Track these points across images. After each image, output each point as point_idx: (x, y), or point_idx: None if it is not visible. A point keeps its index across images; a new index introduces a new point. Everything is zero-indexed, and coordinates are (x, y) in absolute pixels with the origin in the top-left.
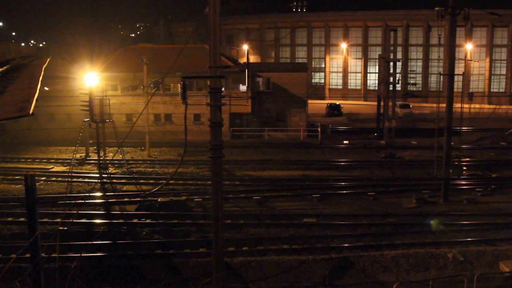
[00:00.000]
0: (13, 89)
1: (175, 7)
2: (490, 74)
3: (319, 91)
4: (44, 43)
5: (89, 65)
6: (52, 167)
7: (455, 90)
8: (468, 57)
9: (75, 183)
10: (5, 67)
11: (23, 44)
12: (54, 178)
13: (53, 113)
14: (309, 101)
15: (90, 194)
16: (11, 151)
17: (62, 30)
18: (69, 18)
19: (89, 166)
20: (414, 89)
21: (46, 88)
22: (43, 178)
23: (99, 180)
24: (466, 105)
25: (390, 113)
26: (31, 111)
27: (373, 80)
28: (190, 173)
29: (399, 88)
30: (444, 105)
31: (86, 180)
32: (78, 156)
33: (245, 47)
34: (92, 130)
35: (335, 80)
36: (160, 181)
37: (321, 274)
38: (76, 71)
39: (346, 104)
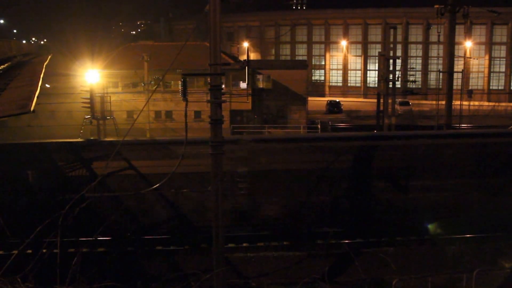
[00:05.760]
0: (15, 86)
1: (175, 5)
2: (490, 72)
3: (319, 89)
4: (45, 40)
5: (90, 63)
6: None
7: (454, 87)
8: (468, 55)
9: None
10: (6, 65)
11: (24, 42)
12: None
13: (54, 110)
14: (309, 98)
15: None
16: None
17: (63, 27)
18: (70, 16)
19: None
20: (414, 86)
21: (47, 85)
22: None
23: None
24: (465, 102)
25: (389, 110)
26: (32, 108)
27: (372, 77)
28: None
29: (399, 86)
30: (443, 102)
31: None
32: None
33: (246, 44)
34: (93, 127)
35: (335, 78)
36: None
37: (320, 270)
38: (77, 68)
39: (346, 101)
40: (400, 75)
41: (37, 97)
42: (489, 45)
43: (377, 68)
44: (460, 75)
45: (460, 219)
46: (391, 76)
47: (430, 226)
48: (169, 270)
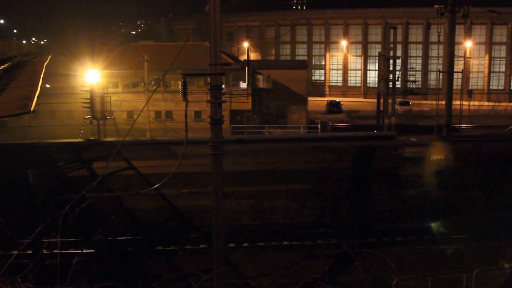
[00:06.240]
0: (15, 86)
1: (176, 5)
2: (489, 72)
3: (319, 88)
4: (45, 40)
5: (90, 63)
6: None
7: (454, 87)
8: (468, 55)
9: None
10: (6, 65)
11: (24, 42)
12: None
13: (54, 110)
14: (309, 98)
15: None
16: None
17: (64, 27)
18: (70, 16)
19: None
20: (414, 86)
21: (47, 85)
22: None
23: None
24: (465, 102)
25: (389, 110)
26: (32, 108)
27: (372, 77)
28: None
29: (399, 86)
30: (443, 102)
31: None
32: None
33: (246, 44)
34: (93, 127)
35: (335, 78)
36: None
37: (321, 270)
38: (77, 69)
39: (346, 101)
40: (400, 75)
41: (37, 97)
42: (489, 45)
43: (377, 68)
44: (460, 75)
45: None
46: (391, 76)
47: None
48: (169, 270)
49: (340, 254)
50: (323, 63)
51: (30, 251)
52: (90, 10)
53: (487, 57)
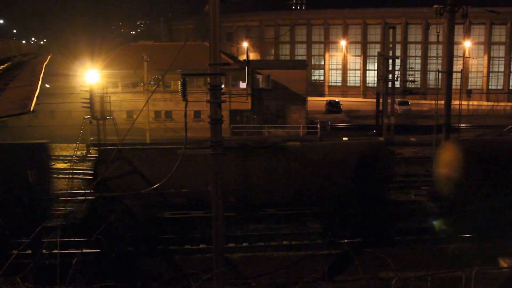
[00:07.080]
0: (14, 86)
1: (175, 5)
2: (489, 71)
3: (318, 88)
4: (45, 40)
5: (89, 63)
6: (53, 164)
7: (453, 87)
8: (467, 55)
9: (75, 180)
10: (6, 64)
11: (24, 42)
12: (55, 175)
13: (54, 110)
14: (309, 98)
15: (91, 191)
16: None
17: (63, 27)
18: (70, 16)
19: (89, 163)
20: (413, 86)
21: (47, 85)
22: None
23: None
24: (464, 102)
25: (389, 110)
26: (31, 108)
27: (372, 77)
28: None
29: (398, 85)
30: (442, 102)
31: (87, 177)
32: (79, 153)
33: (245, 44)
34: (92, 127)
35: (335, 77)
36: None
37: (320, 270)
38: (77, 69)
39: (345, 101)
40: (399, 75)
41: (37, 97)
42: (488, 45)
43: (376, 68)
44: (459, 75)
45: None
46: (390, 76)
47: None
48: (169, 270)
49: (340, 253)
50: (323, 63)
51: (30, 251)
52: (89, 10)
53: (486, 57)
